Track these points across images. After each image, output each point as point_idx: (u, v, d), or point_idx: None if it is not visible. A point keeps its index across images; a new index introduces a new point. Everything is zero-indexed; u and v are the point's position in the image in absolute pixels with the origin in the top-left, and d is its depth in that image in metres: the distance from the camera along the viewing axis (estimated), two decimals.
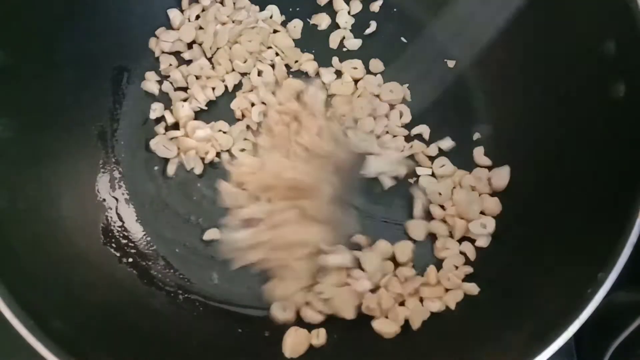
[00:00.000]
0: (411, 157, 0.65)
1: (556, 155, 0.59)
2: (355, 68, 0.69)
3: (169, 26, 0.71)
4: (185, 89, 0.69)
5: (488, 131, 0.66)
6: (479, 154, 0.65)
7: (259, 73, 0.69)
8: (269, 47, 0.70)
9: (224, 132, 0.66)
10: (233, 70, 0.69)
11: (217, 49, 0.70)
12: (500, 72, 0.67)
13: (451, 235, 0.61)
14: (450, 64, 0.70)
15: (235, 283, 0.61)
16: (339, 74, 0.69)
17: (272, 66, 0.69)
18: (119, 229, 0.63)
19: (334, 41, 0.71)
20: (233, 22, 0.71)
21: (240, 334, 0.59)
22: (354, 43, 0.71)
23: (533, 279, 0.54)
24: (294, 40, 0.71)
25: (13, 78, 0.57)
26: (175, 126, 0.67)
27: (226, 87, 0.69)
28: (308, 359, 0.56)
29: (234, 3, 0.72)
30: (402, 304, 0.58)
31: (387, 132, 0.66)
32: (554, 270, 0.53)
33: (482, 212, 0.62)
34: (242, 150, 0.65)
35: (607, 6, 0.54)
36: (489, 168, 0.64)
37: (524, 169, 0.62)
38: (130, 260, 0.62)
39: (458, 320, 0.57)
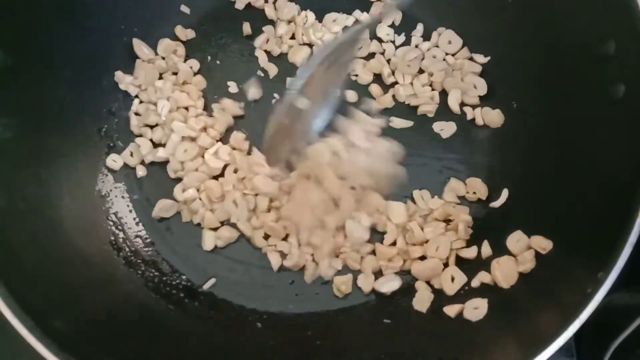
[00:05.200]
0: None
1: (556, 155, 0.59)
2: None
3: (169, 25, 0.71)
4: None
5: (487, 132, 0.67)
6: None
7: None
8: None
9: None
10: None
11: None
12: (499, 73, 0.67)
13: None
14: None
15: (237, 285, 0.61)
16: None
17: None
18: (120, 229, 0.63)
19: None
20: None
21: (241, 335, 0.59)
22: None
23: (534, 279, 0.54)
24: None
25: (13, 78, 0.57)
26: None
27: None
28: None
29: None
30: None
31: None
32: (555, 269, 0.53)
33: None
34: None
35: (607, 6, 0.54)
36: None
37: (524, 170, 0.62)
38: (130, 260, 0.62)
39: (456, 321, 0.57)
